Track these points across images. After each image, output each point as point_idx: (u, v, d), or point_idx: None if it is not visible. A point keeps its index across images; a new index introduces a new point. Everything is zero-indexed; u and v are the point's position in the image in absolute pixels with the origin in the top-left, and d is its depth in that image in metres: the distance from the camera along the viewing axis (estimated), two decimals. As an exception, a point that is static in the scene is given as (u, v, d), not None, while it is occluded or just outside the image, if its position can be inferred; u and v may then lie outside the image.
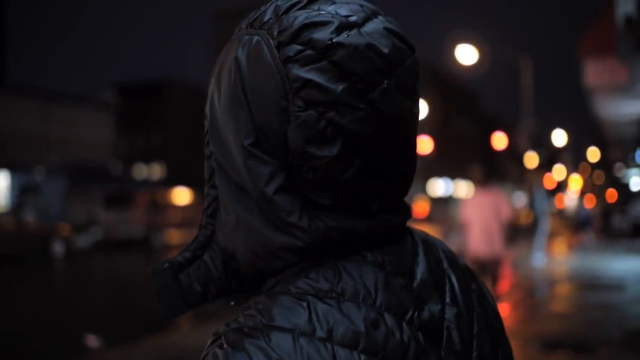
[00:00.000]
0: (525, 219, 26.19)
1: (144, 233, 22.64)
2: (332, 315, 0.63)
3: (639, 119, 16.71)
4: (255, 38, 0.69)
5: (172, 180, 33.05)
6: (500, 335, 0.81)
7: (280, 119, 0.66)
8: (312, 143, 0.65)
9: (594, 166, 54.12)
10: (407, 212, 0.76)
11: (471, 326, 0.76)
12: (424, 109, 25.58)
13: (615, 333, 7.21)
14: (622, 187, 28.75)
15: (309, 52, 0.65)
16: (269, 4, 0.72)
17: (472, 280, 0.82)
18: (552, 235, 21.26)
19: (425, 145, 32.00)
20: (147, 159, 54.24)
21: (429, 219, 39.39)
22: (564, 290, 11.35)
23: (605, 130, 20.79)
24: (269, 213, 0.68)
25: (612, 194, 32.22)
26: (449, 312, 0.73)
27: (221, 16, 56.75)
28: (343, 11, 0.68)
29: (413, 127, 0.72)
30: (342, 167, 0.66)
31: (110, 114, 38.01)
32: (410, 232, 0.79)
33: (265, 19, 0.70)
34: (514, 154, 47.13)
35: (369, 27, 0.68)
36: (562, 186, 56.50)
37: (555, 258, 16.47)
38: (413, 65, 0.71)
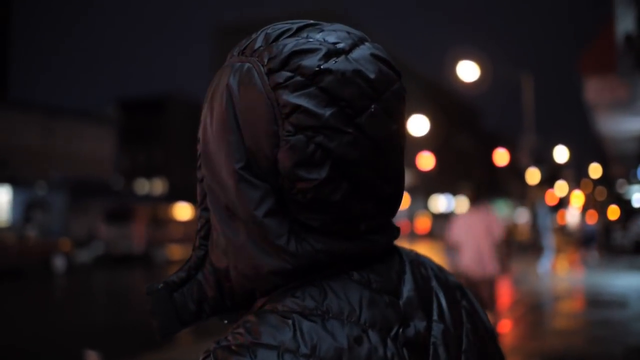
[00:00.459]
0: (526, 235, 26.12)
1: (144, 248, 22.62)
2: (316, 333, 0.65)
3: (641, 135, 16.71)
4: (247, 65, 0.71)
5: (174, 195, 33.03)
6: (492, 351, 0.82)
7: (271, 143, 0.68)
8: (301, 166, 0.67)
9: (596, 182, 53.96)
10: (394, 232, 0.78)
11: (460, 342, 0.77)
12: (425, 125, 25.59)
13: (617, 350, 7.18)
14: (624, 204, 28.69)
15: (298, 78, 0.67)
16: (259, 32, 0.74)
17: (463, 297, 0.84)
18: (554, 252, 21.20)
19: (427, 161, 32.01)
20: (149, 174, 54.24)
21: (430, 234, 39.37)
22: (566, 306, 11.31)
23: (607, 147, 20.76)
24: (258, 236, 0.70)
25: (614, 211, 32.12)
26: (436, 329, 0.74)
27: (222, 33, 57.02)
28: (331, 38, 0.71)
29: (400, 150, 0.74)
30: (330, 189, 0.68)
31: (112, 129, 38.07)
32: (399, 251, 0.80)
33: (256, 46, 0.72)
34: (515, 170, 47.08)
35: (356, 53, 0.70)
36: (564, 202, 56.34)
37: (557, 274, 16.42)
38: (399, 90, 0.73)
